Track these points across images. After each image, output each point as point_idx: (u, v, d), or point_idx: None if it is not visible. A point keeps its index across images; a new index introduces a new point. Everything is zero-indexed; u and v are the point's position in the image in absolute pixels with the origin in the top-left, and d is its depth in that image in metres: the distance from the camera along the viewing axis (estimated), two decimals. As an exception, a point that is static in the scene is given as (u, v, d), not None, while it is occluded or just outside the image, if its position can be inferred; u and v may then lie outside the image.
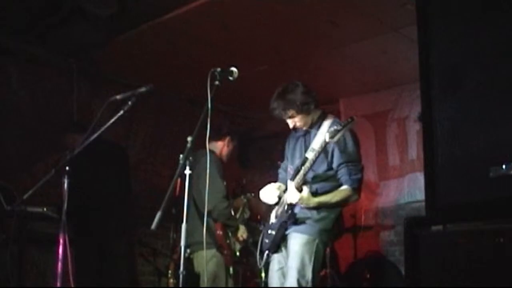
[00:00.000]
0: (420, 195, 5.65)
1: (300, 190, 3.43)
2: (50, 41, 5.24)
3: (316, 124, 3.67)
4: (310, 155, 3.52)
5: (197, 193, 4.00)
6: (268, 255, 3.67)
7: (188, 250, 4.55)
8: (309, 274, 3.43)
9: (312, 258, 3.45)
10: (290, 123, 3.66)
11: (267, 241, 3.65)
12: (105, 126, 3.24)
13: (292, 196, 3.46)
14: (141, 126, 6.41)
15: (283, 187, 3.74)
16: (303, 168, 3.45)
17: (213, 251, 4.45)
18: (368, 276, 5.86)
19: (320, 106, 3.81)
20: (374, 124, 6.62)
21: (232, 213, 4.78)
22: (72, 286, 3.51)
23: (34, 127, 5.51)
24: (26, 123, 5.47)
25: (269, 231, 3.65)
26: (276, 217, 3.65)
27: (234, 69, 3.08)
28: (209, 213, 4.19)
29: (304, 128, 3.67)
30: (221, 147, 4.80)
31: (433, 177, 2.17)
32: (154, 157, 6.47)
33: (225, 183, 4.52)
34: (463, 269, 2.04)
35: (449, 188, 2.13)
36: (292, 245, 3.49)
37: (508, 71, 2.02)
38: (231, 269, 4.70)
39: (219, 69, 3.03)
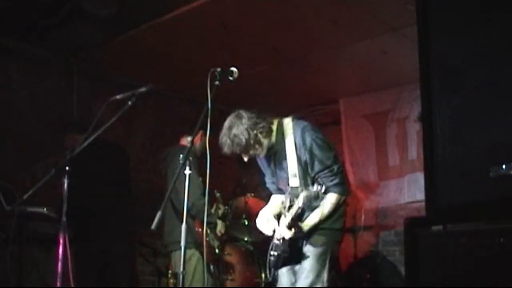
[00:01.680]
0: (420, 195, 5.65)
1: (290, 227, 3.37)
2: (50, 41, 5.24)
3: (279, 143, 3.51)
4: (294, 182, 3.43)
5: (173, 192, 3.85)
6: (275, 272, 3.63)
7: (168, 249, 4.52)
8: (325, 276, 3.42)
9: (327, 263, 3.44)
10: (245, 157, 3.52)
11: (272, 259, 3.60)
12: (105, 126, 3.24)
13: (285, 233, 3.40)
14: (141, 126, 6.41)
15: (275, 210, 3.66)
16: (291, 211, 3.33)
17: (192, 250, 4.40)
18: (368, 276, 5.86)
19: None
20: (374, 124, 6.62)
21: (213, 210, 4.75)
22: (72, 286, 3.51)
23: (34, 127, 5.50)
24: (26, 123, 5.46)
25: (272, 252, 3.59)
26: (277, 238, 3.56)
27: (234, 69, 3.07)
28: (187, 211, 4.15)
29: (263, 155, 3.55)
30: (194, 141, 4.74)
31: (433, 177, 2.17)
32: (154, 157, 6.46)
33: (201, 178, 4.35)
34: (463, 269, 2.04)
35: (449, 188, 2.13)
36: (304, 261, 3.45)
37: (508, 71, 2.02)
38: (211, 266, 4.66)
39: (219, 69, 3.02)
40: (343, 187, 3.43)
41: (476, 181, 2.06)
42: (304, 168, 3.43)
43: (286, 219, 3.38)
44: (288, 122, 3.58)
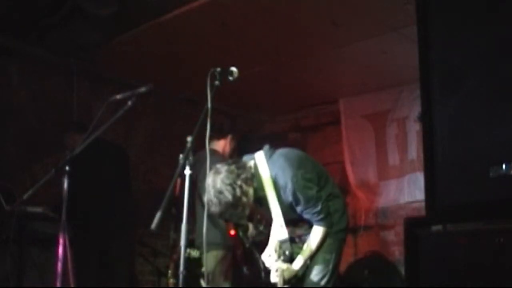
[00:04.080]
0: (420, 195, 5.64)
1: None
2: (50, 41, 5.23)
3: (261, 188, 3.45)
4: (282, 234, 3.46)
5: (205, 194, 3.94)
6: None
7: (197, 252, 4.55)
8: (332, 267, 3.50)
9: (334, 263, 3.51)
10: (234, 217, 3.52)
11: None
12: (105, 126, 3.24)
13: (274, 279, 3.41)
14: (141, 126, 6.41)
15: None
16: (280, 267, 3.39)
17: (223, 251, 4.42)
18: (368, 276, 5.86)
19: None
20: (374, 124, 6.62)
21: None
22: (72, 286, 3.51)
23: (34, 127, 5.51)
24: (26, 123, 5.47)
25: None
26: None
27: (234, 69, 3.04)
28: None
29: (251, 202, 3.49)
30: (223, 145, 4.80)
31: (433, 177, 2.17)
32: (154, 157, 6.47)
33: None
34: (463, 269, 2.04)
35: (449, 188, 2.13)
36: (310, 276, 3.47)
37: (508, 71, 2.02)
38: (244, 268, 4.67)
39: (219, 69, 3.01)
40: (328, 220, 3.43)
41: (476, 181, 2.06)
42: (289, 207, 3.44)
43: (275, 267, 3.41)
44: (261, 161, 3.50)
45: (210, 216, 4.24)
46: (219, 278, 4.44)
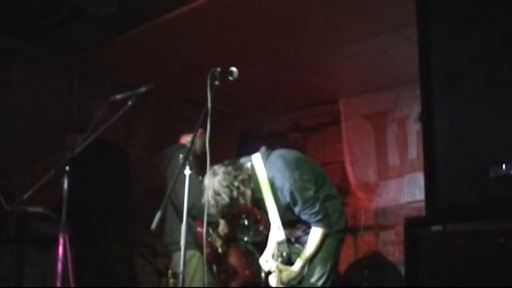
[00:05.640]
0: (420, 195, 5.65)
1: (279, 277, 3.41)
2: (50, 41, 5.24)
3: (258, 190, 3.47)
4: (279, 235, 3.47)
5: (173, 192, 3.83)
6: None
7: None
8: (330, 276, 3.49)
9: (332, 263, 3.50)
10: (233, 211, 3.54)
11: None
12: (105, 126, 3.24)
13: (272, 281, 3.43)
14: (141, 126, 6.41)
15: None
16: (277, 268, 3.41)
17: (193, 251, 4.37)
18: (368, 276, 5.86)
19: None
20: (374, 124, 6.62)
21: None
22: (72, 286, 3.51)
23: (34, 127, 5.50)
24: (26, 123, 5.46)
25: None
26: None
27: (234, 69, 3.05)
28: (188, 211, 4.12)
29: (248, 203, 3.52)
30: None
31: (433, 177, 2.17)
32: (154, 157, 6.47)
33: (200, 177, 4.36)
34: (463, 269, 2.04)
35: (449, 188, 2.13)
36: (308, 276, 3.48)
37: (508, 71, 2.02)
38: (214, 267, 4.64)
39: (219, 69, 3.01)
40: (326, 220, 3.43)
41: (476, 181, 2.06)
42: (286, 208, 3.45)
43: (272, 268, 3.44)
44: (259, 163, 3.51)
45: (178, 214, 4.21)
46: (189, 278, 4.39)
